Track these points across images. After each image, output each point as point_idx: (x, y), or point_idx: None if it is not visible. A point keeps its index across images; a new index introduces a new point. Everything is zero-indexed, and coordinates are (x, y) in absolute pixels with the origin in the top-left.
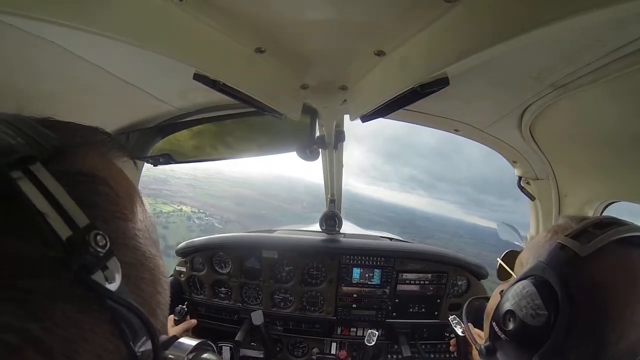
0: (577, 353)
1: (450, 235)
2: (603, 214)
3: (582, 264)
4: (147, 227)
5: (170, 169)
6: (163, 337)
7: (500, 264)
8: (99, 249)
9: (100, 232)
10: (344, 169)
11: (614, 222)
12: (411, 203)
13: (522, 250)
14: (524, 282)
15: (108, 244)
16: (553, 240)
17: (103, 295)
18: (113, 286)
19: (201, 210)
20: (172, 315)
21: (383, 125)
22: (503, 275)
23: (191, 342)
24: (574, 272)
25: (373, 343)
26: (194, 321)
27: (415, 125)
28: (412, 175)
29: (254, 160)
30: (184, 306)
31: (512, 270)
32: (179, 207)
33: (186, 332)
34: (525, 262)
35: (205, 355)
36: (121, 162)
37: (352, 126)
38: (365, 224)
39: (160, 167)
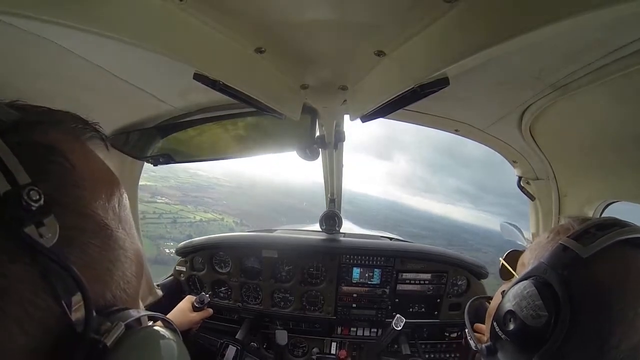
0: (578, 355)
1: (496, 249)
2: (604, 215)
3: (583, 265)
4: (115, 205)
5: (214, 177)
6: (117, 308)
7: (502, 263)
8: (32, 203)
9: (35, 188)
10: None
11: (616, 224)
12: (456, 215)
13: (524, 251)
14: (525, 282)
15: (42, 200)
16: (555, 241)
17: (34, 248)
18: (47, 242)
19: (244, 222)
20: (193, 301)
21: (429, 134)
22: (505, 275)
23: (141, 313)
24: (575, 273)
25: (400, 327)
26: (210, 311)
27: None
28: (457, 187)
29: (299, 166)
30: (207, 295)
31: (515, 271)
32: (221, 217)
33: (201, 320)
34: (527, 262)
35: (150, 329)
36: (97, 147)
37: (399, 134)
38: (408, 236)
39: (204, 173)
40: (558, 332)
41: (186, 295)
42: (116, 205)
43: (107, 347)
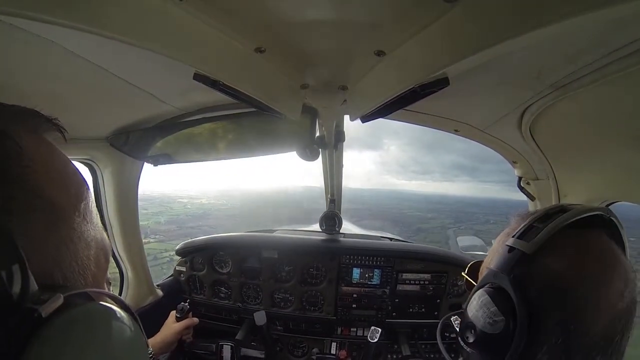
0: (547, 348)
1: (504, 216)
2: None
3: (530, 261)
4: (72, 192)
5: (208, 202)
6: (63, 285)
7: (465, 278)
8: None
9: None
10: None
11: (561, 210)
12: (456, 191)
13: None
14: (478, 292)
15: None
16: (504, 242)
17: None
18: None
19: None
20: (175, 312)
21: None
22: (470, 288)
23: (87, 290)
24: (524, 271)
25: (376, 340)
26: (195, 319)
27: None
28: (454, 163)
29: (295, 172)
30: (186, 303)
31: (477, 282)
32: None
33: (187, 329)
34: (482, 271)
35: (93, 304)
36: (56, 140)
37: (384, 121)
38: (417, 221)
39: (198, 201)
40: (519, 333)
41: (186, 296)
42: (72, 193)
43: (41, 316)
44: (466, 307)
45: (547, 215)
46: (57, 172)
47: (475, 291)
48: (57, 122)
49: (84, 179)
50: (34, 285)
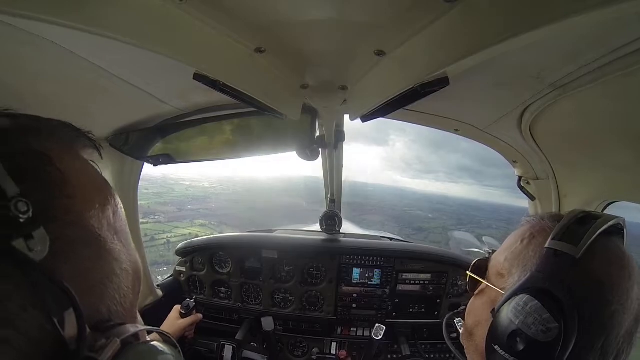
0: (591, 352)
1: (506, 222)
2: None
3: (579, 265)
4: (110, 216)
5: (211, 186)
6: (112, 323)
7: (470, 276)
8: (20, 215)
9: (23, 200)
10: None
11: (588, 215)
12: (460, 193)
13: (490, 257)
14: (524, 297)
15: (31, 211)
16: (535, 245)
17: (23, 263)
18: (36, 255)
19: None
20: (180, 308)
21: None
22: (473, 286)
23: (138, 328)
24: (574, 275)
25: (381, 337)
26: (200, 315)
27: None
28: (459, 164)
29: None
30: (192, 300)
31: (485, 280)
32: (219, 228)
33: (191, 326)
34: (508, 272)
35: (147, 345)
36: (91, 155)
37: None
38: (418, 220)
39: (200, 184)
40: (569, 339)
41: (186, 296)
42: (111, 216)
43: None
44: (497, 311)
45: (582, 219)
46: (96, 196)
47: (514, 295)
48: (93, 137)
49: (115, 194)
50: (87, 329)
